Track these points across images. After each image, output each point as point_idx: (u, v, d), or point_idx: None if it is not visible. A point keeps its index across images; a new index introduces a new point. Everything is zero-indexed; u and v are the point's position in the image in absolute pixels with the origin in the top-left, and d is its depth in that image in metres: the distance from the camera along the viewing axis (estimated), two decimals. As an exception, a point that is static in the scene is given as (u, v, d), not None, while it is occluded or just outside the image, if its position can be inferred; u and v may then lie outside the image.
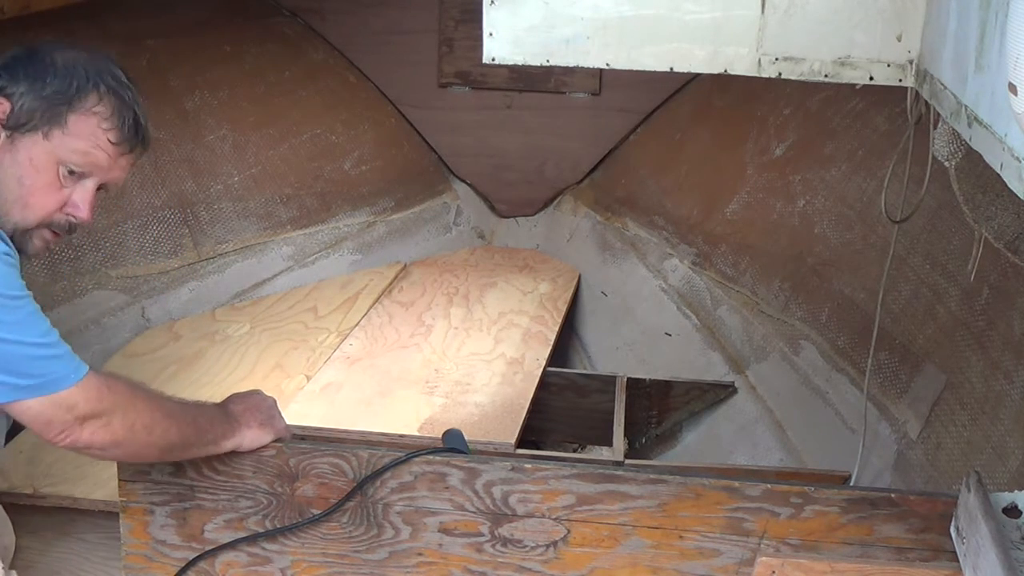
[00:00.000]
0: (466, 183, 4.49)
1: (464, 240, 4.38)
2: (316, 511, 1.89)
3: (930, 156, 2.00)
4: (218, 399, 2.87)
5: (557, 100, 4.33)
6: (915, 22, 1.78)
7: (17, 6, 3.04)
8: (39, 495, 2.38)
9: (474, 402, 2.93)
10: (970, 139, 1.45)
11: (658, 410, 3.32)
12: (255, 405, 1.95)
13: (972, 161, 1.73)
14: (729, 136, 3.86)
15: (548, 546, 1.87)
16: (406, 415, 2.83)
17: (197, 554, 1.94)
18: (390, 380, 3.05)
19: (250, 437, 1.89)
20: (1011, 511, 1.51)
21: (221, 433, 1.86)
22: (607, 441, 2.95)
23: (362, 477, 1.86)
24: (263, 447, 1.88)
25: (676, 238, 3.80)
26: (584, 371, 3.63)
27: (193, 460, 1.89)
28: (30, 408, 1.63)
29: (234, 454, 1.88)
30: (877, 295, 2.54)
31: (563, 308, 3.70)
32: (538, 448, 3.29)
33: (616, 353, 3.70)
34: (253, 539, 1.92)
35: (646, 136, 4.30)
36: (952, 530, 1.63)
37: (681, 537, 1.83)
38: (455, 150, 4.47)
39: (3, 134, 1.73)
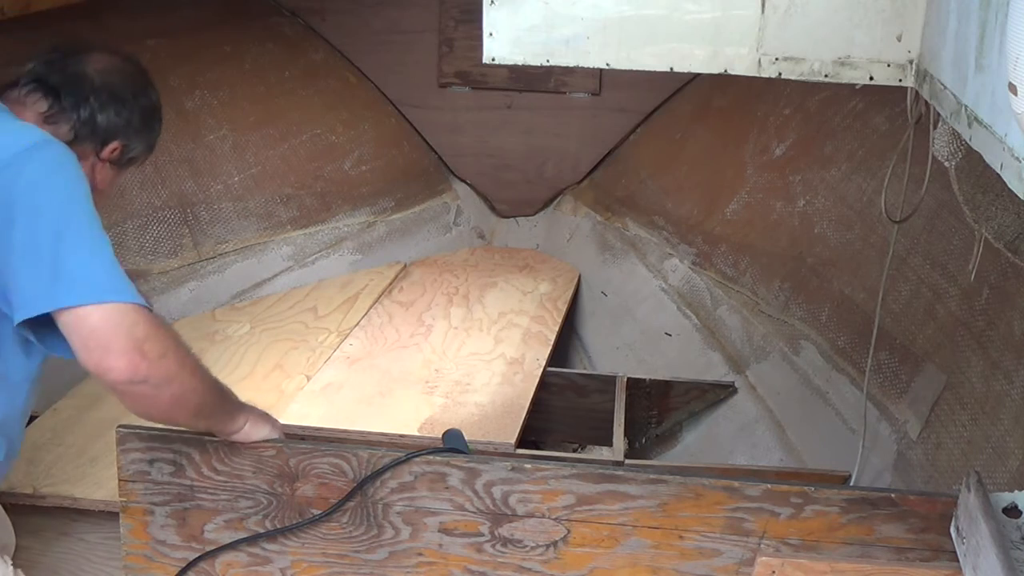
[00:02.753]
0: (466, 183, 4.49)
1: (464, 240, 4.38)
2: (316, 511, 1.89)
3: (930, 156, 2.00)
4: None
5: (557, 100, 4.33)
6: (915, 22, 1.78)
7: (17, 6, 3.04)
8: (39, 495, 2.38)
9: (474, 402, 2.93)
10: (970, 139, 1.45)
11: (658, 410, 3.32)
12: (251, 406, 1.96)
13: (972, 161, 1.73)
14: (729, 136, 3.86)
15: (548, 546, 1.87)
16: (406, 415, 2.83)
17: (197, 554, 1.94)
18: (390, 380, 3.05)
19: (255, 418, 1.89)
20: (1011, 511, 1.51)
21: (236, 406, 1.88)
22: (607, 441, 2.95)
23: (362, 477, 1.87)
24: (263, 447, 1.88)
25: (676, 238, 3.80)
26: (584, 371, 3.63)
27: (192, 460, 1.89)
28: (91, 315, 1.63)
29: (234, 453, 1.88)
30: (877, 295, 2.54)
31: (563, 308, 3.70)
32: (538, 448, 3.29)
33: (616, 353, 3.70)
34: (253, 539, 1.92)
35: (646, 136, 4.30)
36: (952, 530, 1.63)
37: (681, 537, 1.83)
38: (455, 150, 4.47)
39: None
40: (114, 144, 1.99)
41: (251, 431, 1.88)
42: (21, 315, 1.67)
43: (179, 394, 1.73)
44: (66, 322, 1.65)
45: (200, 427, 1.87)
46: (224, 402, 1.86)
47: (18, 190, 1.68)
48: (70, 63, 1.96)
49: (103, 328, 1.64)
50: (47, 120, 1.90)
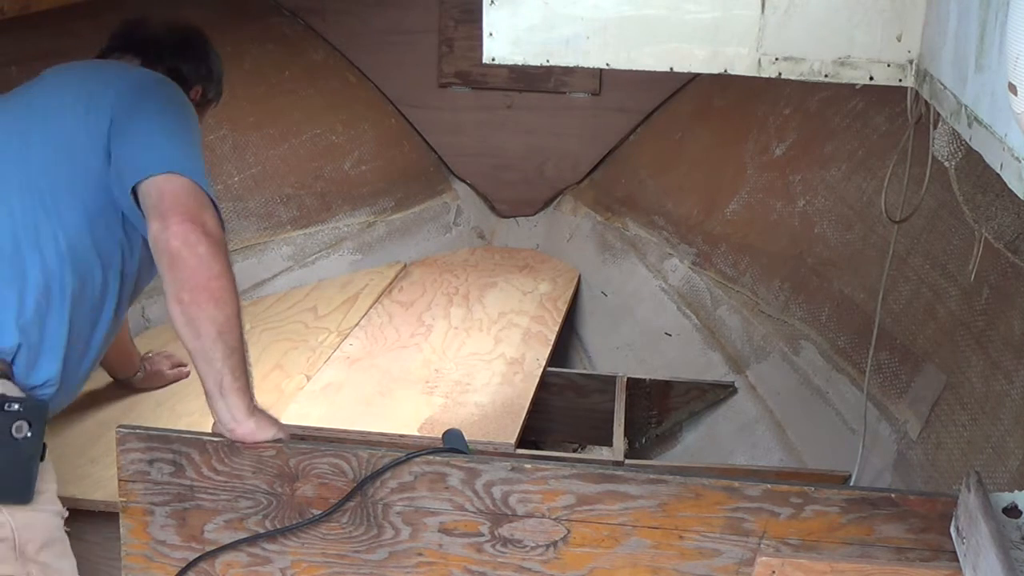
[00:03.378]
0: (466, 183, 4.49)
1: (464, 240, 4.38)
2: (316, 511, 1.89)
3: (930, 156, 2.00)
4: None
5: (557, 100, 4.33)
6: (915, 22, 1.78)
7: (17, 6, 3.04)
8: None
9: (474, 402, 2.93)
10: (970, 139, 1.45)
11: (658, 410, 3.32)
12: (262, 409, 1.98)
13: (972, 161, 1.73)
14: (729, 136, 3.86)
15: (548, 546, 1.87)
16: (406, 415, 2.83)
17: (197, 554, 1.94)
18: (390, 380, 3.05)
19: (263, 419, 1.90)
20: (1011, 511, 1.51)
21: (250, 391, 1.91)
22: (607, 441, 2.95)
23: (362, 477, 1.86)
24: (263, 447, 1.88)
25: (676, 238, 3.80)
26: (584, 371, 3.63)
27: (192, 460, 1.89)
28: (172, 180, 1.91)
29: (234, 453, 1.88)
30: (877, 295, 2.54)
31: (563, 308, 3.70)
32: (538, 448, 3.29)
33: (616, 353, 3.70)
34: (253, 539, 1.92)
35: (646, 136, 4.30)
36: (952, 530, 1.63)
37: (681, 537, 1.83)
38: (455, 150, 4.47)
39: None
40: (197, 87, 2.43)
41: (257, 430, 1.87)
42: (129, 183, 1.95)
43: (219, 287, 1.86)
44: (148, 189, 1.91)
45: (217, 359, 1.86)
46: (244, 367, 1.90)
47: (147, 99, 2.08)
48: (143, 29, 2.38)
49: (179, 192, 1.90)
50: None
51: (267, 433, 1.88)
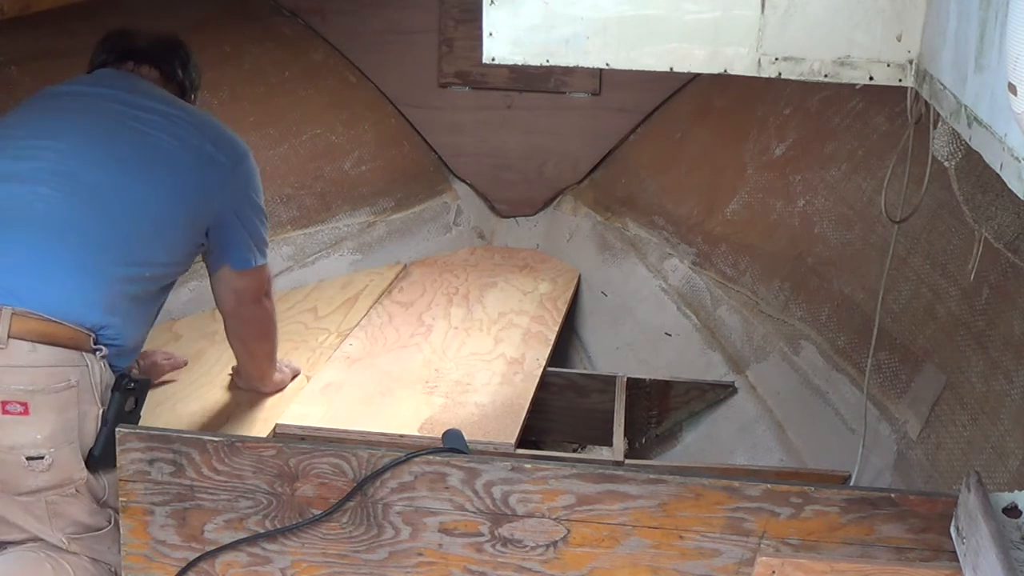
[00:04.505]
0: (466, 183, 4.49)
1: (464, 240, 4.38)
2: (316, 511, 1.89)
3: (930, 156, 2.00)
4: (218, 399, 2.91)
5: (557, 100, 4.33)
6: (915, 22, 1.78)
7: (17, 6, 3.05)
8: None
9: (474, 402, 2.93)
10: (970, 139, 1.45)
11: (658, 410, 3.32)
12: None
13: (972, 161, 1.73)
14: (729, 136, 3.86)
15: (548, 546, 1.87)
16: (406, 415, 2.83)
17: (197, 554, 1.94)
18: (390, 380, 3.05)
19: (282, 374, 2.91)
20: (1011, 511, 1.51)
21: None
22: (607, 441, 2.95)
23: (362, 477, 1.87)
24: (263, 447, 1.88)
25: (676, 238, 3.80)
26: (584, 371, 3.63)
27: (192, 460, 1.90)
28: (255, 274, 2.59)
29: (234, 453, 1.88)
30: (877, 295, 2.54)
31: (563, 308, 3.70)
32: (538, 448, 3.29)
33: (616, 353, 3.70)
34: (253, 539, 1.92)
35: (646, 136, 4.30)
36: (952, 530, 1.63)
37: (681, 537, 1.83)
38: (455, 150, 4.47)
39: None
40: (193, 95, 2.67)
41: (278, 380, 2.89)
42: (233, 264, 2.54)
43: (271, 329, 2.78)
44: (233, 275, 2.56)
45: (262, 352, 2.80)
46: (276, 354, 2.88)
47: (249, 179, 2.53)
48: (142, 39, 2.60)
49: (257, 283, 2.62)
50: (167, 83, 2.58)
51: (287, 381, 2.93)
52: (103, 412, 2.11)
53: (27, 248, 2.11)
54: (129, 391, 2.16)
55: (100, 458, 2.10)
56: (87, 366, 2.08)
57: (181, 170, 2.36)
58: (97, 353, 2.11)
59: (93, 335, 2.11)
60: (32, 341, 2.01)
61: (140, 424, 2.18)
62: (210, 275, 2.59)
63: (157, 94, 2.49)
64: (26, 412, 2.00)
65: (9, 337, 1.99)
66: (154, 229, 2.28)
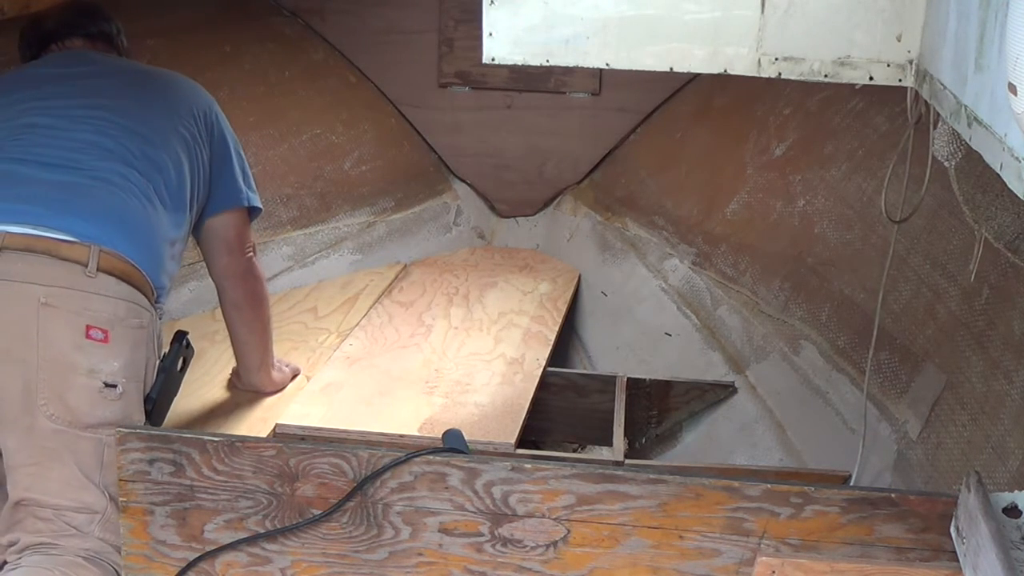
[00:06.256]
0: (466, 183, 4.49)
1: (464, 240, 4.38)
2: (316, 511, 1.90)
3: (930, 156, 2.00)
4: (218, 399, 2.91)
5: (557, 100, 4.33)
6: (915, 22, 1.78)
7: (17, 6, 3.05)
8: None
9: (474, 402, 2.93)
10: (970, 139, 1.45)
11: (658, 410, 3.32)
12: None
13: (972, 161, 1.73)
14: (729, 136, 3.86)
15: (548, 546, 1.87)
16: (406, 415, 2.83)
17: (197, 554, 1.94)
18: (390, 380, 3.05)
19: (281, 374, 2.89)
20: (1011, 511, 1.51)
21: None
22: (607, 441, 2.95)
23: (362, 477, 1.87)
24: (263, 447, 1.88)
25: (676, 238, 3.80)
26: (584, 371, 3.63)
27: (192, 460, 1.90)
28: (237, 215, 2.60)
29: (234, 453, 1.88)
30: (877, 295, 2.54)
31: (563, 308, 3.70)
32: (538, 448, 3.29)
33: (616, 353, 3.70)
34: (253, 539, 1.92)
35: (646, 136, 4.30)
36: (952, 530, 1.63)
37: (681, 537, 1.83)
38: (455, 150, 4.47)
39: None
40: (121, 41, 2.73)
41: (278, 379, 2.88)
42: (226, 203, 2.58)
43: (264, 296, 2.73)
44: (220, 222, 2.57)
45: (259, 324, 2.75)
46: (272, 348, 2.86)
47: (220, 124, 2.62)
48: (54, 19, 2.65)
49: (241, 227, 2.61)
50: (111, 48, 2.67)
51: (287, 380, 2.92)
52: (159, 363, 2.30)
53: (106, 204, 2.25)
54: (187, 347, 2.39)
55: (155, 406, 2.27)
56: (152, 314, 2.25)
57: (187, 137, 2.50)
58: (157, 308, 2.28)
59: (155, 292, 2.29)
60: (116, 277, 2.17)
61: (139, 425, 2.19)
62: (199, 239, 2.61)
63: (124, 65, 2.64)
64: (106, 340, 2.13)
65: (98, 270, 2.14)
66: (180, 195, 2.42)
